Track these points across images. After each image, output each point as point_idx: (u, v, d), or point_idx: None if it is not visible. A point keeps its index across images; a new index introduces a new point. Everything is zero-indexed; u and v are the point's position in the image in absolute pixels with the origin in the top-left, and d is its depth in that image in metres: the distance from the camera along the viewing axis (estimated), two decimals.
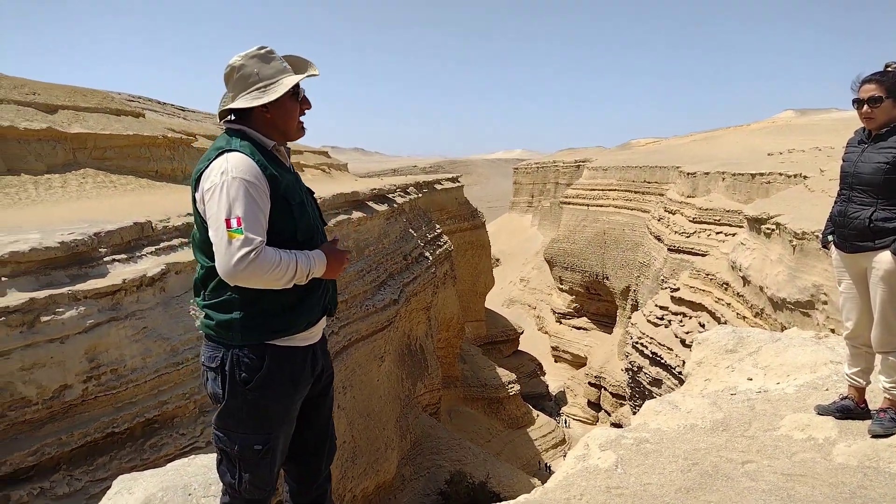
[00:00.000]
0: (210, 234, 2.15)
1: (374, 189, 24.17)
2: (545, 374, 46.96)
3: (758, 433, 3.82)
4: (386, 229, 23.45)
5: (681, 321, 23.78)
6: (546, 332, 54.26)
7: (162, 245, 11.55)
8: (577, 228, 50.43)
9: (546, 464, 32.89)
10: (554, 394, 46.80)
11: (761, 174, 28.89)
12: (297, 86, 2.32)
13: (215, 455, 2.44)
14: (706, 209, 30.67)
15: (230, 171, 2.12)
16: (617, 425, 29.02)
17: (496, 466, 26.32)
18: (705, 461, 3.43)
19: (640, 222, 42.36)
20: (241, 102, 2.27)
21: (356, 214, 20.35)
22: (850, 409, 3.81)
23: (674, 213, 34.16)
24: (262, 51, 2.29)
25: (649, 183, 44.82)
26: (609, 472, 3.38)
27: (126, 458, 9.08)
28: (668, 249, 31.76)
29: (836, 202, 3.83)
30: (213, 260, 2.15)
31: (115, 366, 9.21)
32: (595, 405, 42.11)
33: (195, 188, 2.23)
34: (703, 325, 21.46)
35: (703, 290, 23.00)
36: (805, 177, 24.42)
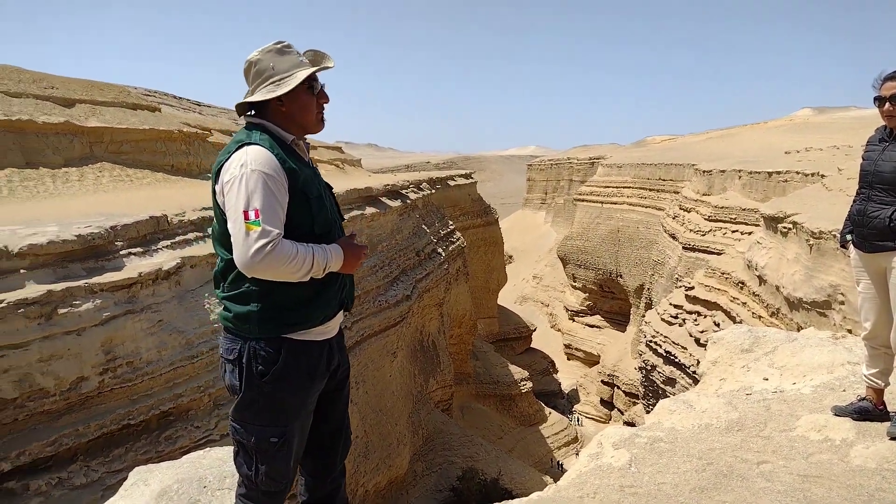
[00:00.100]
0: (228, 225, 2.17)
1: (388, 185, 24.18)
2: (558, 371, 46.84)
3: (773, 433, 3.78)
4: (399, 225, 23.48)
5: (695, 320, 23.62)
6: (559, 330, 54.10)
7: (177, 239, 11.64)
8: (590, 226, 50.19)
9: (558, 461, 32.84)
10: (566, 391, 46.68)
11: (778, 172, 28.56)
12: (313, 79, 2.34)
13: (230, 448, 2.46)
14: (722, 207, 30.39)
15: (249, 163, 2.14)
16: (630, 424, 28.90)
17: (508, 463, 26.32)
18: (720, 461, 3.40)
19: (655, 220, 42.08)
20: (257, 96, 2.30)
21: (369, 210, 20.39)
22: (868, 411, 3.76)
23: (689, 211, 33.90)
24: (279, 45, 2.31)
25: (664, 180, 44.48)
26: (623, 470, 3.36)
27: (141, 449, 9.18)
28: (683, 248, 31.53)
29: (854, 201, 3.79)
30: (231, 252, 2.17)
31: (130, 358, 9.30)
32: (608, 403, 41.95)
33: (215, 180, 2.26)
34: (717, 325, 21.30)
35: (719, 289, 22.82)
36: (823, 175, 24.13)
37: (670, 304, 25.91)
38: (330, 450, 2.62)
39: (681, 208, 35.39)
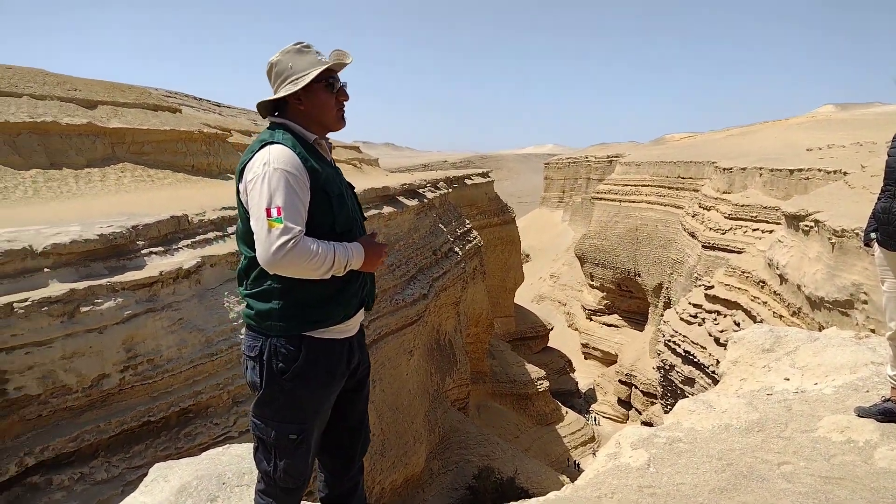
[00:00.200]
0: (251, 222, 2.20)
1: (405, 184, 24.23)
2: (575, 370, 46.65)
3: (794, 434, 3.73)
4: (416, 224, 23.51)
5: (715, 319, 23.39)
6: (576, 329, 53.87)
7: (198, 238, 11.75)
8: (608, 224, 49.88)
9: (575, 461, 32.71)
10: (583, 391, 46.48)
11: (800, 170, 28.16)
12: (332, 77, 2.37)
13: (249, 445, 2.49)
14: (742, 205, 30.03)
15: (272, 162, 2.17)
16: (648, 424, 28.71)
17: (524, 462, 26.27)
18: (740, 462, 3.36)
19: (674, 218, 41.71)
20: (277, 94, 2.34)
21: (387, 209, 20.45)
22: (893, 413, 3.70)
23: (709, 210, 33.55)
24: (298, 46, 2.35)
25: (683, 178, 44.06)
26: (641, 470, 3.34)
27: (161, 446, 9.29)
28: (703, 246, 31.22)
29: (879, 199, 3.72)
30: (255, 250, 2.20)
31: (151, 356, 9.41)
32: (625, 403, 41.70)
33: (239, 179, 2.29)
34: (737, 324, 21.08)
35: (739, 289, 22.57)
36: (845, 173, 23.77)
37: (689, 303, 25.68)
38: (349, 447, 2.63)
39: (700, 206, 35.04)
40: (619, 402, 42.44)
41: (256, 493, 2.51)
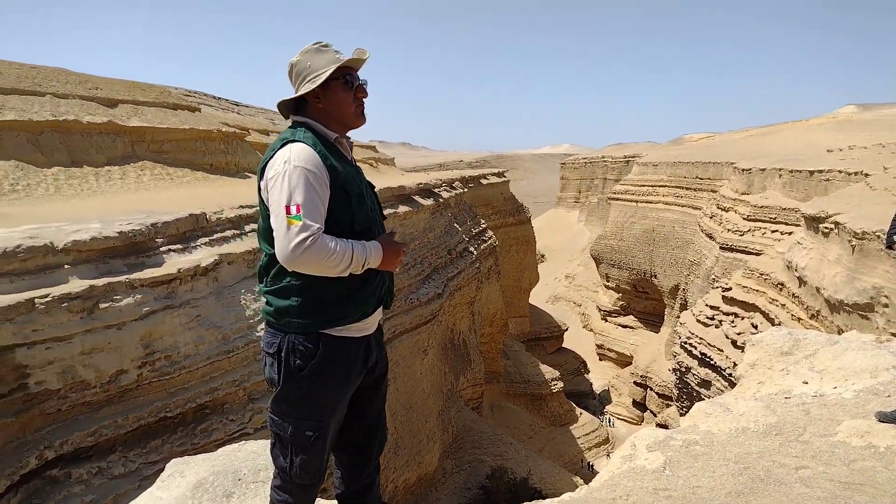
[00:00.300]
0: (271, 220, 2.22)
1: (420, 183, 24.25)
2: (589, 371, 46.44)
3: (813, 438, 3.69)
4: (431, 223, 23.52)
5: (732, 322, 23.18)
6: (591, 330, 53.62)
7: (215, 236, 11.84)
8: (625, 225, 49.60)
9: (589, 462, 32.57)
10: (598, 392, 46.26)
11: (820, 171, 27.82)
12: (349, 75, 2.38)
13: (264, 441, 2.51)
14: (761, 207, 29.72)
15: (292, 160, 2.19)
16: (663, 426, 28.51)
17: (538, 463, 26.20)
18: (757, 465, 3.33)
19: (691, 219, 41.39)
20: (297, 93, 2.37)
21: (402, 208, 20.49)
22: None
23: (727, 211, 33.25)
24: (316, 45, 2.37)
25: (702, 179, 43.69)
26: (657, 473, 3.31)
27: (177, 441, 9.38)
28: (721, 248, 30.95)
29: None
30: (274, 247, 2.22)
31: (169, 352, 9.51)
32: (640, 405, 41.44)
33: (260, 177, 2.32)
34: (755, 327, 20.87)
35: (757, 291, 22.35)
36: (867, 174, 23.44)
37: (706, 305, 25.47)
38: (365, 445, 2.65)
39: (719, 207, 34.73)
40: (634, 403, 42.19)
41: (272, 488, 2.53)
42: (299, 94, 2.35)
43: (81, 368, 8.39)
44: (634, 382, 41.89)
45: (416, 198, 22.60)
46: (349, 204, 2.30)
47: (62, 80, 17.60)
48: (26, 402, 7.92)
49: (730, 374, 21.13)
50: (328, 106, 2.38)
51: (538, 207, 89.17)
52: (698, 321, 25.28)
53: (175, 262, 10.28)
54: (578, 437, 34.34)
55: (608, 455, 32.77)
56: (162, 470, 3.66)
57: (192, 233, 11.52)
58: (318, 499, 2.72)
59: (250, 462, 3.55)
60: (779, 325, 18.57)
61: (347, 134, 2.49)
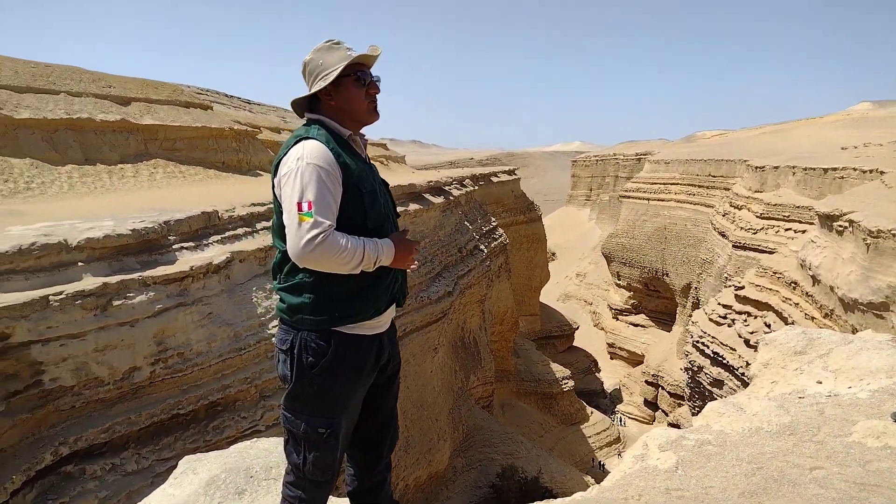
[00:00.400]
0: (283, 216, 2.24)
1: (431, 181, 24.25)
2: (600, 370, 46.29)
3: (827, 439, 3.65)
4: (441, 221, 23.52)
5: (745, 321, 23.02)
6: (602, 329, 53.44)
7: (227, 234, 11.90)
8: (636, 223, 49.37)
9: (600, 462, 32.47)
10: (609, 391, 46.10)
11: (834, 169, 27.54)
12: (361, 71, 2.39)
13: (276, 439, 2.52)
14: (775, 205, 29.48)
15: (305, 157, 2.20)
16: (675, 426, 28.38)
17: (549, 462, 26.15)
18: (770, 466, 3.30)
19: (704, 217, 41.11)
20: (311, 90, 2.38)
21: (413, 206, 20.50)
22: None
23: (740, 209, 33.01)
24: (328, 43, 2.38)
25: (714, 177, 43.38)
26: (669, 473, 3.29)
27: (190, 438, 9.43)
28: (733, 246, 30.74)
29: None
30: None
31: (181, 349, 9.57)
32: (651, 404, 41.26)
33: (274, 174, 2.33)
34: (768, 326, 20.72)
35: (770, 289, 22.18)
36: (882, 172, 23.20)
37: (719, 303, 25.32)
38: (377, 443, 2.66)
39: (731, 205, 34.49)
40: (646, 402, 42.01)
41: (285, 484, 2.54)
42: (312, 91, 2.36)
43: (95, 365, 8.46)
44: (646, 381, 41.72)
45: (427, 196, 22.60)
46: (362, 201, 2.31)
47: (76, 79, 17.75)
48: (41, 398, 8.00)
49: (742, 374, 20.99)
50: (340, 103, 2.39)
51: (549, 205, 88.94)
52: (711, 320, 25.13)
53: (187, 260, 10.34)
54: (589, 437, 34.25)
55: (619, 454, 32.66)
56: (175, 467, 3.69)
57: (204, 230, 11.58)
58: (329, 496, 2.72)
59: (262, 459, 3.57)
60: (792, 324, 18.42)
61: (362, 131, 2.50)
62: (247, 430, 10.08)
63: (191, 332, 9.79)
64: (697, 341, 25.22)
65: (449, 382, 21.82)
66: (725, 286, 27.68)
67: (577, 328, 46.05)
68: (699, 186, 44.68)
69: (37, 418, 7.98)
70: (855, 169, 26.40)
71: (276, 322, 10.47)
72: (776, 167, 31.84)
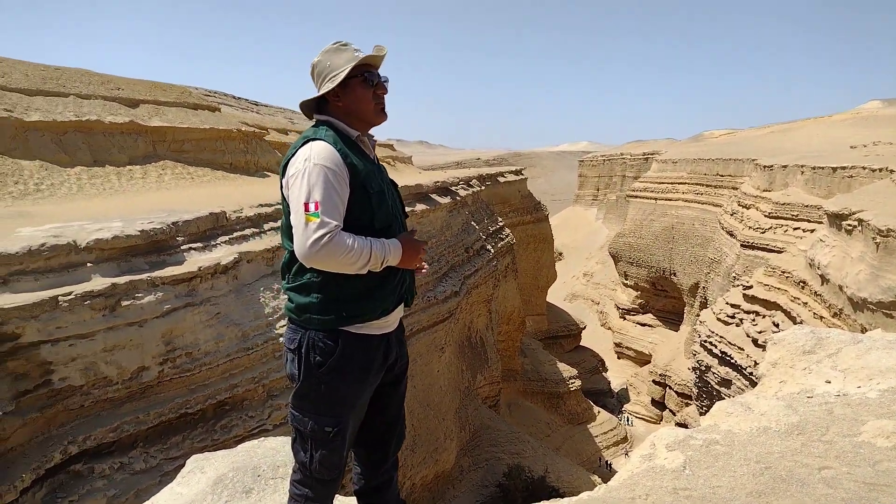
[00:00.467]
0: (290, 217, 2.25)
1: (438, 181, 24.24)
2: (607, 370, 46.19)
3: (836, 439, 3.63)
4: (448, 221, 23.52)
5: (753, 320, 22.91)
6: (609, 328, 53.33)
7: (235, 235, 11.95)
8: (643, 223, 49.23)
9: (607, 461, 32.40)
10: (616, 391, 46.01)
11: (843, 168, 27.37)
12: (368, 72, 2.40)
13: (283, 438, 2.53)
14: (783, 204, 29.32)
15: (312, 157, 2.22)
16: (682, 425, 28.28)
17: (555, 461, 26.11)
18: (779, 465, 3.29)
19: (711, 217, 40.96)
20: (319, 91, 2.40)
21: (419, 206, 20.51)
22: None
23: (748, 208, 32.85)
24: (336, 44, 2.40)
25: (722, 176, 43.20)
26: (676, 472, 3.29)
27: (197, 438, 9.47)
28: (742, 245, 30.60)
29: None
30: None
31: (189, 349, 9.61)
32: (659, 404, 41.14)
33: (282, 175, 2.35)
34: (777, 325, 20.63)
35: (778, 289, 22.08)
36: (891, 171, 23.04)
37: (727, 303, 25.21)
38: (384, 442, 2.67)
39: (739, 204, 34.34)
40: (653, 402, 41.89)
41: (292, 483, 2.56)
42: (321, 93, 2.38)
43: (104, 365, 8.51)
44: (653, 381, 41.59)
45: (434, 196, 22.60)
46: (369, 202, 2.32)
47: (85, 81, 17.86)
48: (50, 397, 8.06)
49: (750, 373, 20.90)
50: (348, 104, 2.40)
51: (556, 205, 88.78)
52: (718, 319, 25.03)
53: (196, 261, 10.39)
54: (596, 436, 34.18)
55: (626, 454, 32.57)
56: (182, 466, 3.71)
57: (212, 231, 11.62)
58: (336, 495, 2.73)
59: (269, 458, 3.58)
60: (801, 323, 18.33)
61: (370, 132, 2.51)
62: (254, 429, 10.11)
63: (199, 331, 9.83)
64: (705, 341, 25.12)
65: (456, 382, 21.82)
66: (733, 285, 27.55)
67: (584, 328, 45.96)
68: (707, 186, 44.52)
69: (46, 417, 8.03)
70: (864, 168, 26.23)
71: (283, 322, 10.51)
72: (784, 166, 31.67)
